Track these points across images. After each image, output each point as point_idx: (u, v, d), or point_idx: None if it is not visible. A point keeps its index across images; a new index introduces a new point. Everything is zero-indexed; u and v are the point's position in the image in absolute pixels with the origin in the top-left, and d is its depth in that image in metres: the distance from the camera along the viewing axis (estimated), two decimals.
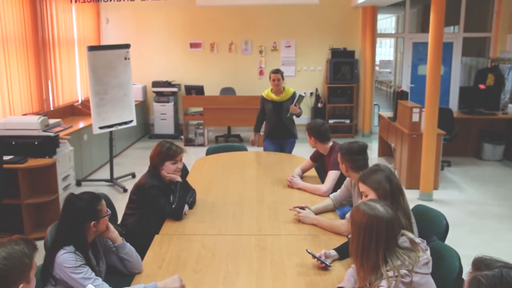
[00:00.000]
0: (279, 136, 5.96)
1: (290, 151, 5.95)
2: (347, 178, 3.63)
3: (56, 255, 2.44)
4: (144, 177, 3.64)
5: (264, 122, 6.19)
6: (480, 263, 1.77)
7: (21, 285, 1.89)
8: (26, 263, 1.92)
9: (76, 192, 2.72)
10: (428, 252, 2.31)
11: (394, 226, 2.22)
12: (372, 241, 2.17)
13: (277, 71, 5.91)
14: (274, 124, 5.94)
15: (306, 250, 2.82)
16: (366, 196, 2.79)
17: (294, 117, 5.84)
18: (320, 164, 4.68)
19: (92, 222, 2.58)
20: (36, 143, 5.36)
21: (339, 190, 3.77)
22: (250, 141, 6.34)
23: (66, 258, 2.43)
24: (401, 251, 2.21)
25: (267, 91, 6.04)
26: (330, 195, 3.78)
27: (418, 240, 2.34)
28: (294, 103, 5.68)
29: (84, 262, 2.49)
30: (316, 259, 2.76)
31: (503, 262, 1.78)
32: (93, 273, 2.48)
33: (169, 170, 3.65)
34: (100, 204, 2.64)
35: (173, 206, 3.48)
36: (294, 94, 5.87)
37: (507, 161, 8.22)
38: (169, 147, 3.68)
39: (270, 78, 5.93)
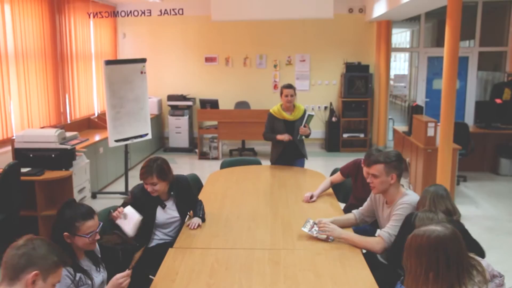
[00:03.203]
0: (289, 159, 5.58)
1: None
2: (372, 194, 3.51)
3: None
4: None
5: (272, 144, 5.71)
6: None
7: (34, 272, 1.98)
8: (53, 261, 2.05)
9: (93, 204, 2.75)
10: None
11: (458, 242, 2.00)
12: (440, 265, 1.94)
13: (289, 86, 5.50)
14: (285, 145, 5.47)
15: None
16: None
17: (303, 137, 5.47)
18: (354, 181, 4.38)
19: (65, 233, 2.58)
20: (53, 155, 5.44)
21: (362, 207, 3.66)
22: (285, 138, 5.42)
23: None
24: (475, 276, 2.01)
25: (276, 108, 5.57)
26: (354, 211, 3.68)
27: (496, 272, 2.19)
28: (303, 124, 5.34)
29: (72, 276, 2.50)
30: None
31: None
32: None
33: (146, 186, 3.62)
34: (80, 222, 2.61)
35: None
36: (304, 112, 5.49)
37: None
38: (143, 167, 3.60)
39: (281, 93, 5.49)
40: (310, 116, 5.37)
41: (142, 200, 3.58)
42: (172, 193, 3.71)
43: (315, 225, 3.38)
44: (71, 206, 2.68)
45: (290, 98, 5.45)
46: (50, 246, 2.10)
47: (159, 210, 3.64)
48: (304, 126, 5.33)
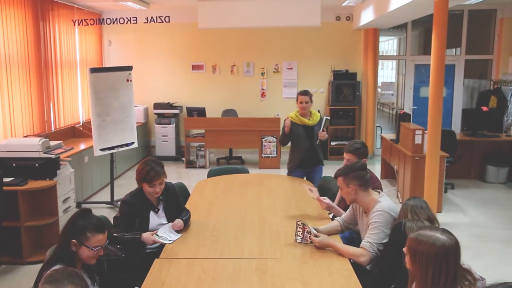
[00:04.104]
0: (309, 165, 5.49)
1: (319, 180, 5.36)
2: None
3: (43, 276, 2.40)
4: (129, 193, 3.69)
5: (290, 152, 5.59)
6: None
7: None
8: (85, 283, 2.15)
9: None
10: None
11: (459, 252, 2.14)
12: (442, 274, 2.07)
13: (305, 93, 5.38)
14: (306, 151, 5.38)
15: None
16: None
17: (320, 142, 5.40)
18: None
19: (73, 241, 2.58)
20: (36, 165, 5.33)
21: (345, 213, 3.76)
22: (286, 126, 5.41)
23: None
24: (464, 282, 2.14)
25: (294, 114, 5.44)
26: (337, 218, 3.77)
27: (477, 276, 2.31)
28: (321, 128, 5.32)
29: None
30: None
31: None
32: None
33: (146, 192, 3.67)
34: (92, 233, 2.62)
35: (114, 234, 3.42)
36: (321, 117, 5.45)
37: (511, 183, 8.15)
38: (149, 170, 3.60)
39: (297, 100, 5.37)
40: (327, 120, 5.47)
41: (137, 207, 3.61)
42: (161, 197, 3.74)
43: (304, 227, 3.37)
44: (86, 215, 2.70)
45: (305, 105, 5.37)
46: (84, 279, 2.21)
47: (151, 215, 3.67)
48: (322, 131, 5.34)
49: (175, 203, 3.88)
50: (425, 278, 2.10)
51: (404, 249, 2.25)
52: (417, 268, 2.14)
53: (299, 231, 3.40)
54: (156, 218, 3.68)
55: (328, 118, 5.50)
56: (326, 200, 4.05)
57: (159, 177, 3.61)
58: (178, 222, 3.67)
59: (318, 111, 5.74)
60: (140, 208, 3.62)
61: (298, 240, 3.39)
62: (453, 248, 2.11)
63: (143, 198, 3.65)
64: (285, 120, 5.45)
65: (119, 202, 6.87)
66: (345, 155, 4.29)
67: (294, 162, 5.50)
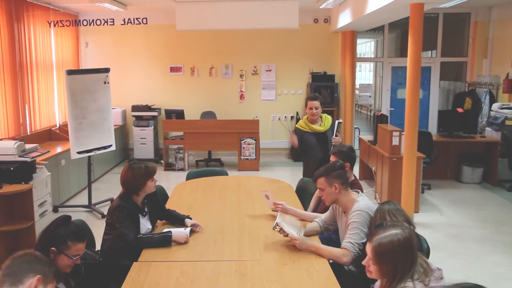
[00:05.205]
0: None
1: None
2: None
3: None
4: (116, 198, 3.63)
5: (304, 160, 5.29)
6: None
7: (38, 276, 2.02)
8: (53, 271, 2.11)
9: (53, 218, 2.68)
10: (443, 281, 2.35)
11: (416, 240, 2.31)
12: (407, 264, 2.20)
13: (314, 98, 5.12)
14: (320, 160, 4.92)
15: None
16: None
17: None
18: None
19: (53, 249, 2.55)
20: (11, 168, 5.24)
21: (324, 214, 3.76)
22: (292, 142, 5.24)
23: None
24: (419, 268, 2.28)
25: (303, 122, 5.19)
26: (317, 219, 3.76)
27: (434, 267, 2.40)
28: (334, 133, 5.03)
29: None
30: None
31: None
32: None
33: (150, 189, 3.67)
34: (73, 242, 2.61)
35: (140, 235, 3.40)
36: (333, 121, 5.16)
37: (486, 183, 8.29)
38: (147, 166, 3.67)
39: (306, 105, 5.10)
40: (340, 124, 5.17)
41: (133, 211, 3.58)
42: (145, 200, 3.73)
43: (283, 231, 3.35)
44: (67, 222, 2.67)
45: (315, 111, 5.10)
46: (49, 260, 2.18)
47: (140, 218, 3.64)
48: (336, 136, 5.06)
49: (158, 205, 3.89)
50: (394, 272, 2.20)
51: (364, 262, 2.32)
52: (386, 268, 2.23)
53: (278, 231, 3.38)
54: (143, 222, 3.66)
55: (341, 121, 5.20)
56: (281, 203, 3.95)
57: (156, 168, 3.74)
58: (194, 222, 3.77)
59: (336, 119, 5.40)
60: (133, 212, 3.59)
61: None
62: (413, 237, 2.27)
63: (131, 201, 3.61)
64: (291, 135, 5.13)
65: (97, 206, 6.86)
66: (331, 158, 4.22)
67: (308, 175, 5.07)
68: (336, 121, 5.17)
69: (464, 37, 10.56)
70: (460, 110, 8.69)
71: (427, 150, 7.38)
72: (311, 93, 10.05)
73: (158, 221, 3.89)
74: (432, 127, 10.36)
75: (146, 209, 3.72)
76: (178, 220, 3.81)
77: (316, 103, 5.10)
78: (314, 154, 5.15)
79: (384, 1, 6.04)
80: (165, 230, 3.57)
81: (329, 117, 5.24)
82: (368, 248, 2.28)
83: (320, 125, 5.14)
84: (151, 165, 3.71)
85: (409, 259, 2.20)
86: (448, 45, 10.64)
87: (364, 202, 3.37)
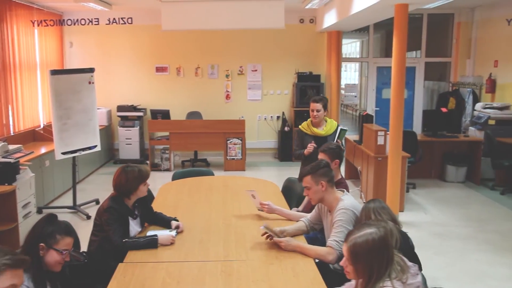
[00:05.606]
0: None
1: None
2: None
3: None
4: (107, 200, 3.59)
5: (301, 164, 5.07)
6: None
7: None
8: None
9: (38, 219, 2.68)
10: (419, 277, 2.37)
11: (392, 238, 2.36)
12: (384, 262, 2.20)
13: (317, 100, 4.98)
14: None
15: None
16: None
17: None
18: None
19: (41, 244, 2.54)
20: None
21: (310, 214, 3.77)
22: (310, 148, 4.94)
23: None
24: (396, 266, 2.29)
25: (306, 124, 5.10)
26: (303, 219, 3.76)
27: (409, 263, 2.41)
28: (335, 140, 4.91)
29: None
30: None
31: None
32: None
33: (142, 193, 3.65)
34: (61, 236, 2.60)
35: (125, 240, 3.37)
36: (337, 127, 5.02)
37: (470, 182, 8.39)
38: (140, 170, 3.64)
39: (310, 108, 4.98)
40: (343, 131, 4.99)
41: (123, 214, 3.55)
42: (136, 204, 3.70)
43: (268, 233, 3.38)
44: (53, 219, 2.67)
45: (316, 114, 4.97)
46: (9, 249, 2.10)
47: (130, 221, 3.61)
48: (337, 142, 4.87)
49: (148, 208, 3.87)
50: (370, 272, 2.20)
51: (341, 262, 2.33)
52: (362, 268, 2.23)
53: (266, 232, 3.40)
54: (133, 225, 3.63)
55: (346, 129, 5.01)
56: (267, 203, 3.98)
57: (149, 173, 3.72)
58: (177, 223, 3.76)
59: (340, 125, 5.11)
60: (123, 214, 3.56)
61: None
62: (388, 236, 2.27)
63: (123, 204, 3.58)
64: (310, 145, 4.85)
65: (82, 207, 6.81)
66: (320, 155, 4.22)
67: None
68: (339, 127, 5.03)
69: (447, 37, 10.67)
70: (444, 110, 8.78)
71: (412, 150, 7.44)
72: (297, 93, 10.12)
73: (146, 223, 3.87)
74: (417, 126, 10.45)
75: (136, 212, 3.69)
76: (165, 222, 3.79)
77: (318, 106, 4.98)
78: (313, 159, 4.90)
79: (369, 1, 6.08)
80: (151, 232, 3.55)
81: (334, 123, 5.12)
82: (344, 249, 2.29)
83: (323, 129, 5.04)
84: (144, 169, 3.69)
85: (385, 258, 2.21)
86: (432, 45, 10.74)
87: (349, 200, 3.39)
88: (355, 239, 2.24)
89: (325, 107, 4.99)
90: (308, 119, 5.14)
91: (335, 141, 4.94)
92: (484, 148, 8.00)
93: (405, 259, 2.41)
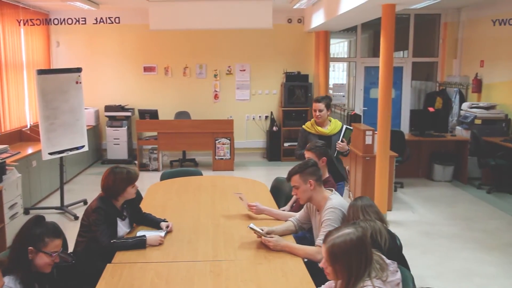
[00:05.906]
0: None
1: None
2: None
3: None
4: (95, 200, 3.56)
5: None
6: None
7: None
8: None
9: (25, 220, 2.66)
10: (399, 274, 2.40)
11: (369, 238, 2.37)
12: (362, 262, 2.22)
13: (319, 100, 4.86)
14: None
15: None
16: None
17: (340, 154, 4.89)
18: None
19: (30, 248, 2.53)
20: None
21: (298, 213, 3.77)
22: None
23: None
24: (376, 265, 2.31)
25: (309, 123, 5.00)
26: (291, 219, 3.76)
27: (388, 261, 2.43)
28: (340, 139, 4.80)
29: None
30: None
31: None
32: None
33: (129, 195, 3.62)
34: (50, 238, 2.59)
35: (113, 241, 3.35)
36: (342, 127, 4.91)
37: (457, 181, 8.46)
38: (128, 171, 3.62)
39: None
40: (349, 130, 4.89)
41: (111, 214, 3.52)
42: (125, 205, 3.69)
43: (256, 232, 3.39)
44: (41, 221, 2.66)
45: (319, 114, 4.85)
46: None
47: (118, 222, 3.58)
48: (342, 141, 4.81)
49: (136, 209, 3.85)
50: (349, 272, 2.21)
51: (321, 264, 2.34)
52: (341, 268, 2.24)
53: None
54: (122, 226, 3.62)
55: (351, 128, 4.92)
56: (255, 205, 3.98)
57: (138, 175, 3.68)
58: (167, 223, 3.75)
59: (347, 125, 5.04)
60: (111, 215, 3.53)
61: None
62: (366, 236, 2.32)
63: (111, 204, 3.56)
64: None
65: (69, 207, 6.76)
66: (306, 154, 4.23)
67: None
68: (344, 126, 4.93)
69: (434, 37, 10.75)
70: (431, 109, 8.84)
71: (399, 149, 7.49)
72: (285, 93, 10.13)
73: (134, 224, 3.85)
74: (404, 126, 10.51)
75: (125, 213, 3.67)
76: (154, 223, 3.77)
77: (320, 105, 4.85)
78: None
79: (357, 1, 6.10)
80: (140, 233, 3.54)
81: (339, 123, 5.01)
82: (323, 250, 2.29)
83: (327, 128, 4.91)
84: (133, 171, 3.66)
85: (364, 258, 2.22)
86: (419, 45, 10.81)
87: (337, 199, 3.41)
88: (333, 239, 2.25)
89: (328, 107, 4.90)
90: (312, 119, 5.06)
91: (340, 140, 4.85)
92: (471, 148, 8.07)
93: (384, 257, 2.42)
